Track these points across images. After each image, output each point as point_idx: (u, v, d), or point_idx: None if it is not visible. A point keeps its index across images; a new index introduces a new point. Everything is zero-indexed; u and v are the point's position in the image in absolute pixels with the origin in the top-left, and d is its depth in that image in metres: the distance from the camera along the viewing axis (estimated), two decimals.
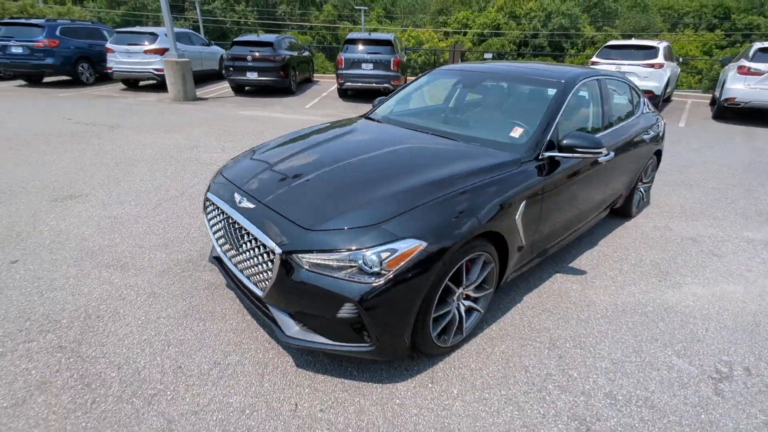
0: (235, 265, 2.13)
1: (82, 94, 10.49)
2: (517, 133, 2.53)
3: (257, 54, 10.59)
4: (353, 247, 1.74)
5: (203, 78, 12.71)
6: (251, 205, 2.05)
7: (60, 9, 26.07)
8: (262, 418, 1.80)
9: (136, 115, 8.13)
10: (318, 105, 10.26)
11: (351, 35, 10.43)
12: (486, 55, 18.17)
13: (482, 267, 2.15)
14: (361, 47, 10.11)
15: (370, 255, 1.71)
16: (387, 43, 10.03)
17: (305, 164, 2.34)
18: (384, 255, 1.71)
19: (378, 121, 3.10)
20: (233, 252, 2.13)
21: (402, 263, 1.72)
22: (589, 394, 1.97)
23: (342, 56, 10.01)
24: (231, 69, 10.63)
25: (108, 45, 10.98)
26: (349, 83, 10.25)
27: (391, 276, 1.71)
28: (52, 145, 5.82)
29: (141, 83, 12.10)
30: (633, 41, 9.38)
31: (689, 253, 3.34)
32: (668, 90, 9.66)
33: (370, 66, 9.94)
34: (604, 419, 1.84)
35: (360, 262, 1.72)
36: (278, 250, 1.80)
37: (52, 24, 11.39)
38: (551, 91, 2.70)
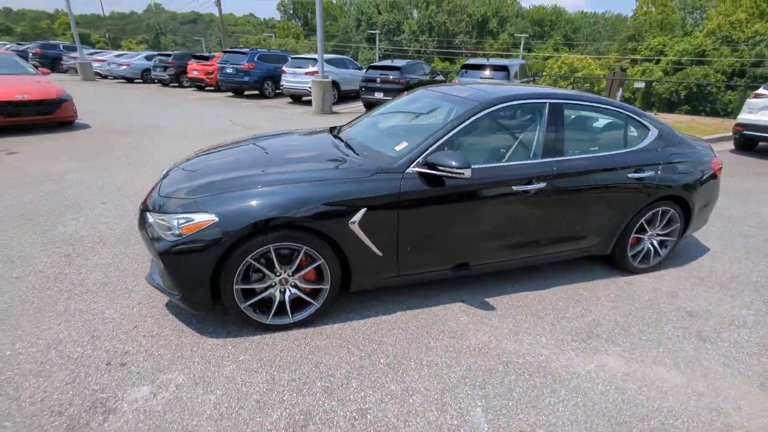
0: None
1: (259, 104, 13.47)
2: (400, 147, 2.56)
3: (390, 77, 11.79)
4: (170, 212, 2.22)
5: (351, 96, 14.70)
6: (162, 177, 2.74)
7: (280, 41, 33.39)
8: (109, 328, 2.41)
9: (276, 122, 10.11)
10: None
11: (469, 61, 10.61)
12: (637, 84, 15.46)
13: (308, 261, 2.33)
14: (477, 72, 10.19)
15: (172, 219, 2.16)
16: (503, 69, 9.85)
17: (221, 154, 2.92)
18: (181, 221, 2.14)
19: (331, 133, 3.40)
20: None
21: (194, 231, 2.11)
22: (344, 404, 1.94)
23: (457, 80, 10.26)
24: (363, 89, 12.09)
25: (284, 68, 13.89)
26: None
27: (184, 239, 2.12)
28: (199, 137, 7.90)
29: (303, 98, 14.75)
30: None
31: (661, 327, 2.58)
32: None
33: None
34: (330, 427, 1.82)
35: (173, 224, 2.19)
36: (141, 207, 2.42)
37: (254, 52, 15.03)
38: (460, 111, 2.61)
